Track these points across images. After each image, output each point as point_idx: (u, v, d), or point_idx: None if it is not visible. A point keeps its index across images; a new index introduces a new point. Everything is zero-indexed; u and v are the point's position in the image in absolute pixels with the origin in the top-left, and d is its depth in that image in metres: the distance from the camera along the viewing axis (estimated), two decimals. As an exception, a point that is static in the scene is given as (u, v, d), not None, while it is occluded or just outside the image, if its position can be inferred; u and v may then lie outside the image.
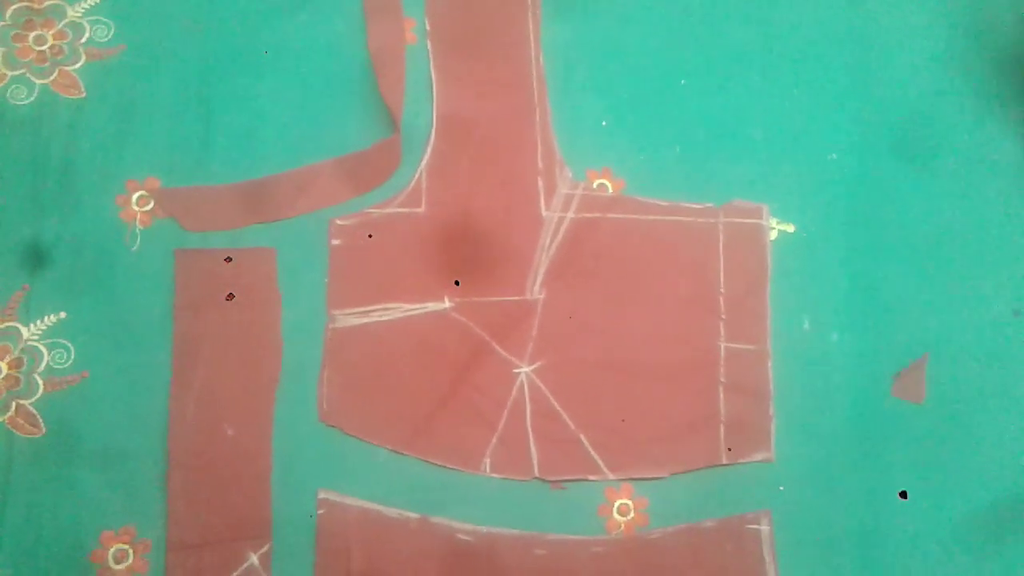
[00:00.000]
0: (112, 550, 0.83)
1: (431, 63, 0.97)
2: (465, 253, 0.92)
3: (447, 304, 0.90)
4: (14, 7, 0.95)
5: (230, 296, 0.88)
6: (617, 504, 0.87)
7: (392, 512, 0.85)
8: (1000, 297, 0.94)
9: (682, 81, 0.99)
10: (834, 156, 0.97)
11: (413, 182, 0.93)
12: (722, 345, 0.91)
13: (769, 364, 0.91)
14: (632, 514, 0.87)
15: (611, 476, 0.88)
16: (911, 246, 0.95)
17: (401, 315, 0.90)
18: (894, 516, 0.88)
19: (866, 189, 0.96)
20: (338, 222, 0.91)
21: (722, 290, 0.92)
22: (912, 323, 0.93)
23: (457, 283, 0.90)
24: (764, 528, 0.87)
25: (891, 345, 0.92)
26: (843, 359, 0.92)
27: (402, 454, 0.86)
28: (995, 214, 0.96)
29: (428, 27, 0.99)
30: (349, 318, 0.89)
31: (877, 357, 0.92)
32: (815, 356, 0.92)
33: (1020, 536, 0.87)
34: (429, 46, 0.98)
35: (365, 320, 0.89)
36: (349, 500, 0.85)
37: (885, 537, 0.88)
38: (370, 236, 0.91)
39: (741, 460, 0.89)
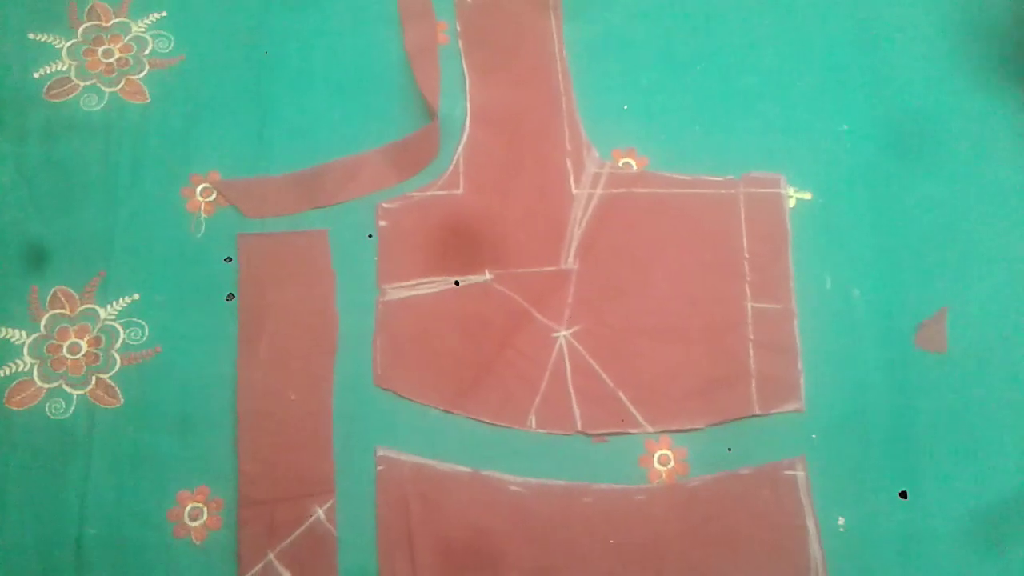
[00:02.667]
0: (188, 508, 0.87)
1: (463, 60, 1.04)
2: (502, 229, 0.98)
3: (488, 276, 0.96)
4: (84, 25, 1.04)
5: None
6: (657, 455, 0.91)
7: (445, 467, 0.90)
8: (1013, 255, 0.98)
9: (698, 66, 1.05)
10: (846, 127, 1.03)
11: (451, 167, 0.99)
12: (749, 305, 0.96)
13: (795, 321, 0.95)
14: (672, 463, 0.91)
15: (650, 429, 0.92)
16: (923, 207, 0.99)
17: (445, 287, 0.96)
18: (922, 461, 0.91)
19: (878, 156, 1.01)
20: (384, 205, 0.98)
21: (746, 255, 0.97)
22: (928, 277, 0.97)
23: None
24: (800, 474, 0.90)
25: (910, 299, 0.96)
26: (865, 314, 0.96)
27: (452, 413, 0.91)
28: (1007, 174, 1.00)
29: (459, 28, 1.06)
30: (398, 291, 0.95)
31: (897, 310, 0.96)
32: (838, 312, 0.96)
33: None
34: (460, 45, 1.05)
35: (412, 292, 0.95)
36: (405, 457, 0.90)
37: (917, 475, 0.91)
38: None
39: (773, 411, 0.92)
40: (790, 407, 0.93)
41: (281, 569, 0.85)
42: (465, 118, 1.02)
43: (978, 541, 0.89)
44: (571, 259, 0.97)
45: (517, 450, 0.91)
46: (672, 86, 1.04)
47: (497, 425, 0.92)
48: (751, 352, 0.94)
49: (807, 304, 0.96)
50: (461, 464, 0.90)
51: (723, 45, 1.06)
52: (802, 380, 0.94)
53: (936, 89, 1.04)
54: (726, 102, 1.04)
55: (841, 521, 0.89)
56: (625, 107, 1.03)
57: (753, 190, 1.00)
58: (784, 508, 0.90)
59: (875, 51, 1.06)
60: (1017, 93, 1.04)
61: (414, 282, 0.96)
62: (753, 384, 0.93)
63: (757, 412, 0.93)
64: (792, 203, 1.00)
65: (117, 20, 1.04)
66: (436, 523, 0.88)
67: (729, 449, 0.91)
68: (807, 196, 1.00)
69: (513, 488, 0.89)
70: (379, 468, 0.89)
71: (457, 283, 0.95)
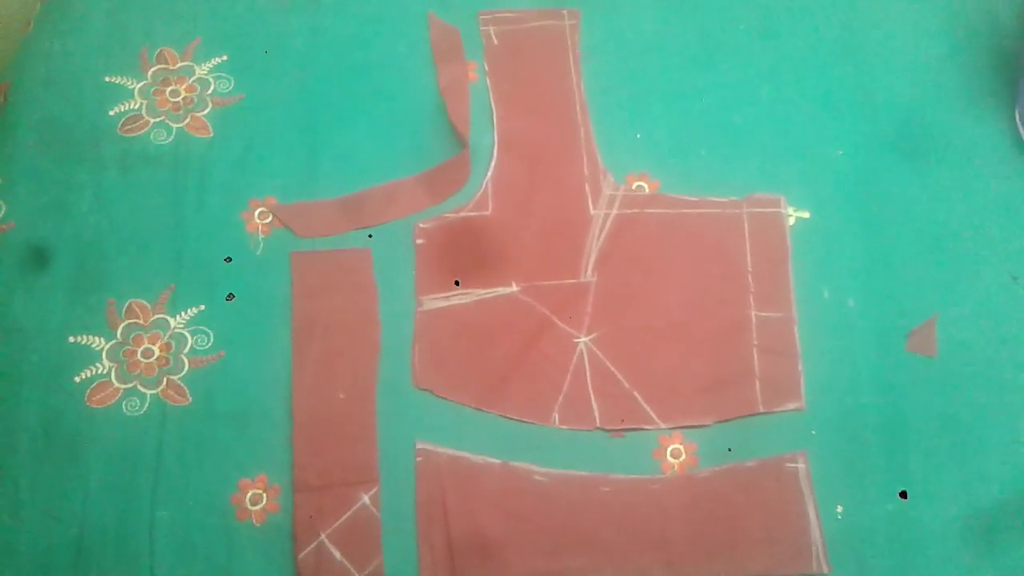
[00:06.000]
0: (249, 494, 0.95)
1: (491, 95, 1.15)
2: (526, 246, 1.07)
3: (514, 288, 1.06)
4: (153, 68, 1.15)
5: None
6: (670, 448, 0.99)
7: (478, 459, 0.98)
8: (999, 264, 1.05)
9: (704, 98, 1.15)
10: (840, 152, 1.12)
11: (481, 191, 1.09)
12: (753, 314, 1.04)
13: (795, 328, 1.03)
14: (683, 456, 0.98)
15: (663, 425, 1.00)
16: (912, 224, 1.07)
17: (476, 298, 1.05)
18: (913, 456, 0.98)
19: (870, 177, 1.10)
20: (421, 225, 1.07)
21: (750, 268, 1.06)
22: (919, 288, 1.04)
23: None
24: (801, 466, 0.97)
25: (901, 307, 1.03)
26: (860, 321, 1.03)
27: (484, 411, 0.99)
28: (990, 190, 1.09)
29: (487, 67, 1.17)
30: (434, 302, 1.04)
31: (889, 318, 1.03)
32: (835, 319, 1.03)
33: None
34: (488, 82, 1.16)
35: (447, 303, 1.04)
36: (441, 449, 0.98)
37: (908, 469, 0.97)
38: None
39: (776, 409, 1.00)
40: (791, 406, 1.00)
41: (332, 549, 0.94)
42: (493, 147, 1.11)
43: (966, 530, 0.95)
44: (590, 273, 1.06)
45: (542, 444, 0.98)
46: (681, 116, 1.14)
47: (524, 421, 0.99)
48: (755, 356, 1.02)
49: (806, 312, 1.04)
50: (492, 456, 0.98)
51: (727, 78, 1.16)
52: (802, 381, 1.01)
53: (922, 115, 1.13)
54: (730, 130, 1.13)
55: (840, 509, 0.96)
56: (638, 135, 1.13)
57: (756, 210, 1.09)
58: (787, 498, 0.96)
59: (865, 82, 1.15)
60: (998, 116, 1.13)
61: (448, 294, 1.05)
62: (757, 385, 1.01)
63: (761, 410, 1.00)
64: (792, 221, 1.08)
65: (183, 63, 1.16)
66: (469, 508, 0.96)
67: (729, 449, 0.98)
68: (805, 215, 1.08)
69: (538, 478, 0.97)
70: (418, 459, 0.97)
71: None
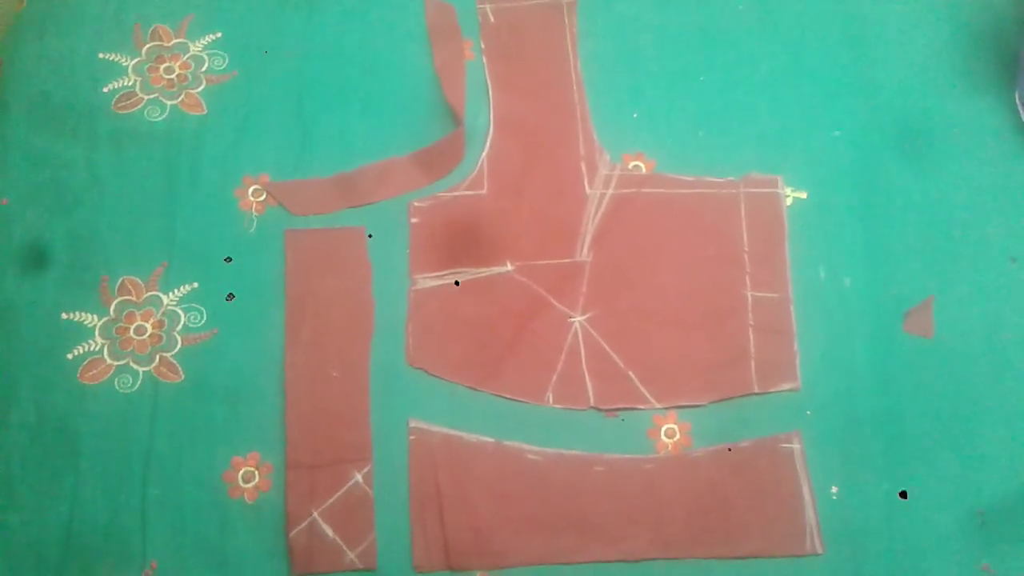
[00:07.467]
0: (241, 472, 0.96)
1: (487, 73, 1.14)
2: (522, 225, 1.06)
3: (509, 267, 1.05)
4: (148, 45, 1.14)
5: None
6: (664, 428, 0.99)
7: (471, 437, 0.98)
8: (997, 245, 1.05)
9: (701, 78, 1.15)
10: (838, 132, 1.11)
11: (476, 170, 1.08)
12: (749, 294, 1.04)
13: (791, 308, 1.03)
14: (677, 436, 0.98)
15: (657, 405, 0.99)
16: (909, 204, 1.07)
17: (471, 277, 1.05)
18: (906, 435, 0.98)
19: (869, 157, 1.09)
20: (416, 204, 1.07)
21: (746, 249, 1.05)
22: (916, 269, 1.04)
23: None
24: (796, 447, 0.97)
25: (897, 287, 1.03)
26: (855, 301, 1.03)
27: (477, 390, 0.99)
28: (987, 170, 1.08)
29: (483, 45, 1.16)
30: (428, 281, 1.04)
31: (886, 298, 1.03)
32: (831, 300, 1.03)
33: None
34: (484, 60, 1.15)
35: (441, 282, 1.04)
36: (435, 428, 0.98)
37: (901, 446, 0.98)
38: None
39: (771, 389, 1.00)
40: (786, 386, 1.00)
41: (324, 526, 0.94)
42: (488, 126, 1.11)
43: (961, 509, 0.95)
44: (585, 252, 1.05)
45: (536, 423, 0.98)
46: (677, 95, 1.13)
47: (518, 400, 0.99)
48: (751, 336, 1.02)
49: (802, 293, 1.04)
50: (485, 435, 0.98)
51: (724, 58, 1.15)
52: (798, 361, 1.01)
53: (920, 97, 1.12)
54: (727, 110, 1.12)
55: (834, 490, 0.96)
56: (635, 115, 1.12)
57: (753, 190, 1.08)
58: (781, 478, 0.96)
59: (864, 63, 1.14)
60: (996, 97, 1.12)
61: (443, 272, 1.04)
62: (752, 365, 1.01)
63: (756, 390, 1.00)
64: (789, 201, 1.07)
65: (177, 40, 1.15)
66: (462, 487, 0.96)
67: (725, 435, 0.98)
68: (803, 195, 1.08)
69: (532, 457, 0.97)
70: (411, 438, 0.97)
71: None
